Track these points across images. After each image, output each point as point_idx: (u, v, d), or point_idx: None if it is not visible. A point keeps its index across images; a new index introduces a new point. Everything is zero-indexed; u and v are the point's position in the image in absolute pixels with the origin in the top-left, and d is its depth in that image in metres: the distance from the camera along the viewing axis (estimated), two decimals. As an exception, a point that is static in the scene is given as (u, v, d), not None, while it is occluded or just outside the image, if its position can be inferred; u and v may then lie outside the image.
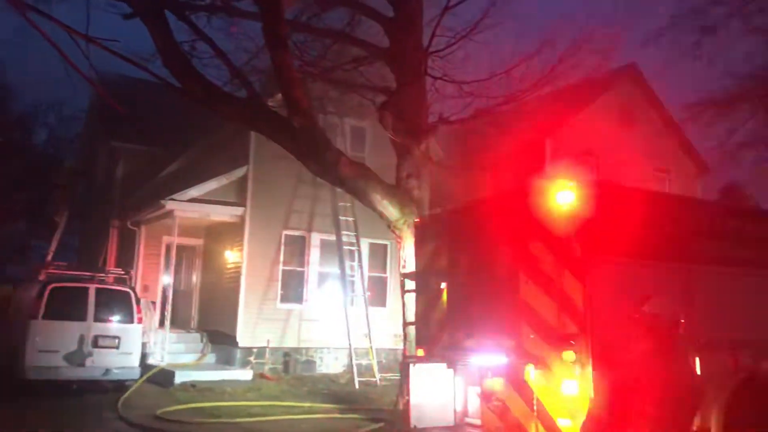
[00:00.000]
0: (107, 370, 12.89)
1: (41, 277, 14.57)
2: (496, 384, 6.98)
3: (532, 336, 6.68)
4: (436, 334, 8.02)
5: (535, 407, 6.64)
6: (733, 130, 18.13)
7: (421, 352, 8.19)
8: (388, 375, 15.51)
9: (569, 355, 6.22)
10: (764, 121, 18.03)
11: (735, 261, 7.54)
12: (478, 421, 7.14)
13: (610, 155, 20.89)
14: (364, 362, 15.75)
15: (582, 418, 6.09)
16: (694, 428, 6.52)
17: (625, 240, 6.61)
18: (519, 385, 6.81)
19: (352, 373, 15.36)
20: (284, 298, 16.76)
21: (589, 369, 6.07)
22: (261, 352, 15.94)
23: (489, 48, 12.41)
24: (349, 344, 15.96)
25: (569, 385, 6.21)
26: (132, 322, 13.44)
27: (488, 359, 7.14)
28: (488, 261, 7.31)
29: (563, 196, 6.54)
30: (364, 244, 17.52)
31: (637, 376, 6.09)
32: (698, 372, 6.59)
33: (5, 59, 35.56)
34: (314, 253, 17.24)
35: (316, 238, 17.24)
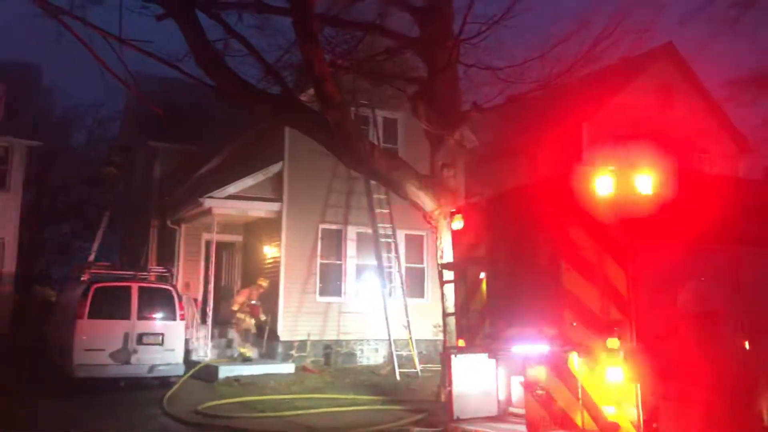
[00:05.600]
0: (152, 367, 13.15)
1: (84, 278, 14.87)
2: (540, 373, 6.90)
3: (574, 324, 6.58)
4: (476, 324, 7.94)
5: (579, 395, 6.57)
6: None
7: (461, 343, 8.11)
8: (429, 366, 15.46)
9: (613, 342, 6.12)
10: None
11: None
12: (521, 411, 7.06)
13: (648, 138, 20.47)
14: (404, 353, 15.74)
15: (627, 405, 5.99)
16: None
17: (667, 224, 6.45)
18: (563, 373, 6.72)
19: (393, 364, 15.35)
20: (323, 291, 16.88)
21: (634, 356, 5.96)
22: (302, 345, 16.09)
23: (522, 33, 12.22)
24: (389, 336, 15.95)
25: (614, 373, 6.11)
26: (175, 319, 13.71)
27: (531, 348, 7.05)
28: (528, 249, 7.20)
29: (603, 181, 6.43)
30: (401, 236, 17.49)
31: (684, 362, 5.97)
32: (748, 356, 6.43)
33: (43, 63, 35.88)
34: (351, 246, 17.30)
35: (352, 231, 17.31)
